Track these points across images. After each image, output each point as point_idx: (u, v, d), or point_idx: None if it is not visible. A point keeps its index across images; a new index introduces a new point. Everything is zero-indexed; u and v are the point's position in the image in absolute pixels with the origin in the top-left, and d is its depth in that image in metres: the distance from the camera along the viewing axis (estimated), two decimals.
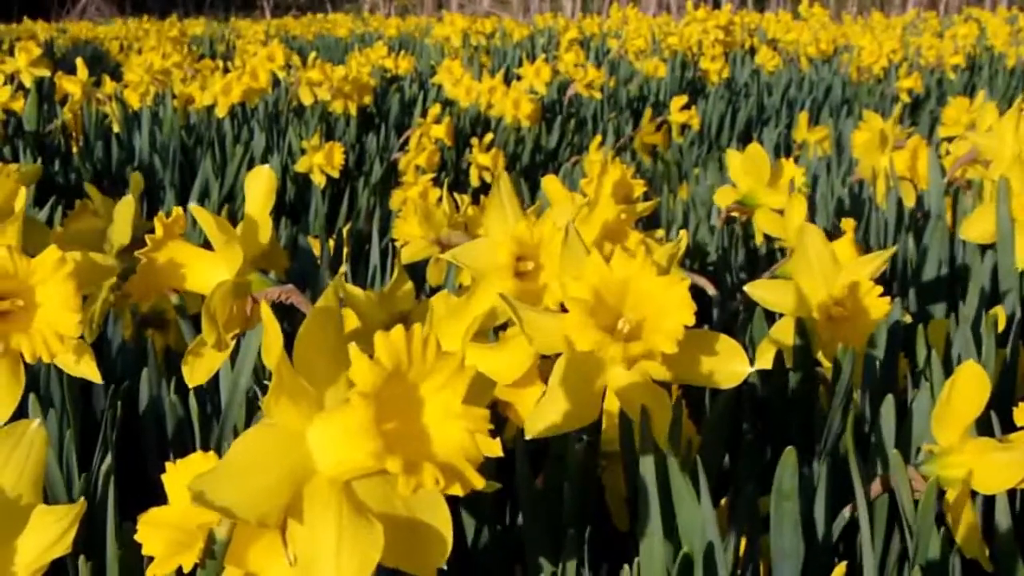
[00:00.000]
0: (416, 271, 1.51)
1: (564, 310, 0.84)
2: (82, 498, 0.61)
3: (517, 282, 0.98)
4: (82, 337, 0.93)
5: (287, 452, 0.55)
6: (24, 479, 0.60)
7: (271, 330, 0.57)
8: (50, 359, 0.85)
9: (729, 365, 0.86)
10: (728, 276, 1.80)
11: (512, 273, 0.99)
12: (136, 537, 0.71)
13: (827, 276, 1.13)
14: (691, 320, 0.81)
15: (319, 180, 2.98)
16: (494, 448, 0.82)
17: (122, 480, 0.99)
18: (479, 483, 0.55)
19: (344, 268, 1.01)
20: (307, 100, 3.72)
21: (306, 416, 0.56)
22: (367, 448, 0.52)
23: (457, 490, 0.54)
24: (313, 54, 4.20)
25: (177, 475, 0.73)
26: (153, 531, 0.72)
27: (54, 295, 0.84)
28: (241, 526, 0.61)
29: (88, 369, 0.90)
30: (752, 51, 6.57)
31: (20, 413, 1.04)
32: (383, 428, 0.53)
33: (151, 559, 0.73)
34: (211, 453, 0.73)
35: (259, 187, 0.98)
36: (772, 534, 0.92)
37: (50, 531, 0.58)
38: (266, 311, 0.58)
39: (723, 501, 1.02)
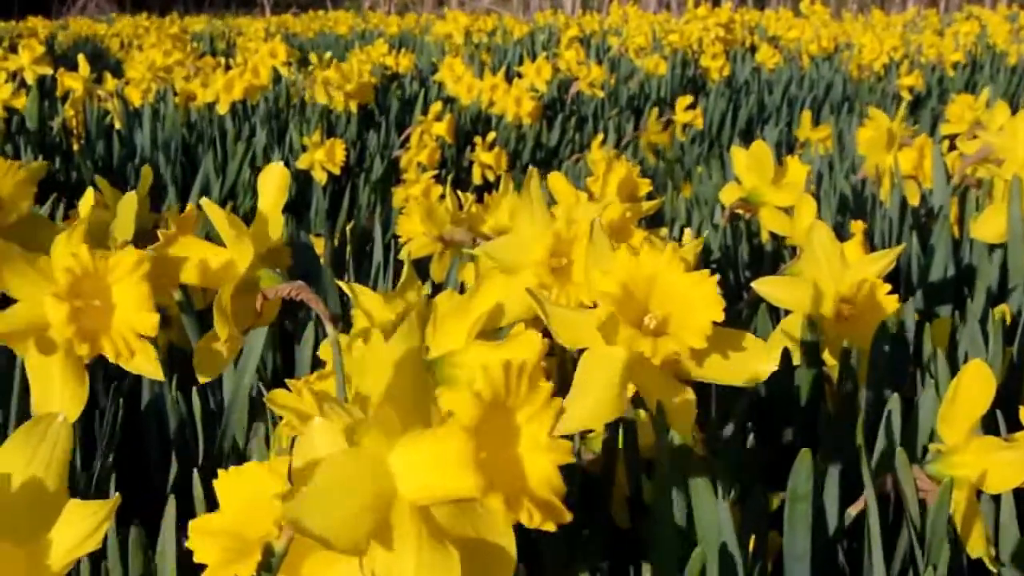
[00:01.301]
0: (419, 268, 1.51)
1: (585, 306, 0.84)
2: (117, 494, 0.61)
3: (551, 278, 0.99)
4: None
5: (372, 476, 0.55)
6: (51, 474, 0.59)
7: (378, 364, 0.57)
8: (130, 358, 0.85)
9: (755, 364, 0.86)
10: (732, 274, 1.80)
11: (548, 269, 0.99)
12: (188, 544, 0.71)
13: (835, 273, 1.13)
14: (720, 316, 0.81)
15: (320, 177, 2.97)
16: None
17: (124, 477, 0.98)
18: (567, 517, 0.55)
19: (348, 291, 1.02)
20: (322, 99, 3.72)
21: (388, 442, 0.55)
22: (469, 482, 0.52)
23: (550, 526, 0.54)
24: (328, 54, 4.20)
25: (230, 483, 0.73)
26: (206, 539, 0.71)
27: (131, 295, 0.85)
28: (298, 539, 0.61)
29: (153, 368, 0.89)
30: (753, 49, 6.56)
31: (23, 409, 1.04)
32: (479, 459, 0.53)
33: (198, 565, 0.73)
34: (265, 464, 0.73)
35: (272, 184, 0.98)
36: (785, 536, 0.92)
37: (83, 525, 0.58)
38: (377, 339, 0.57)
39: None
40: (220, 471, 0.74)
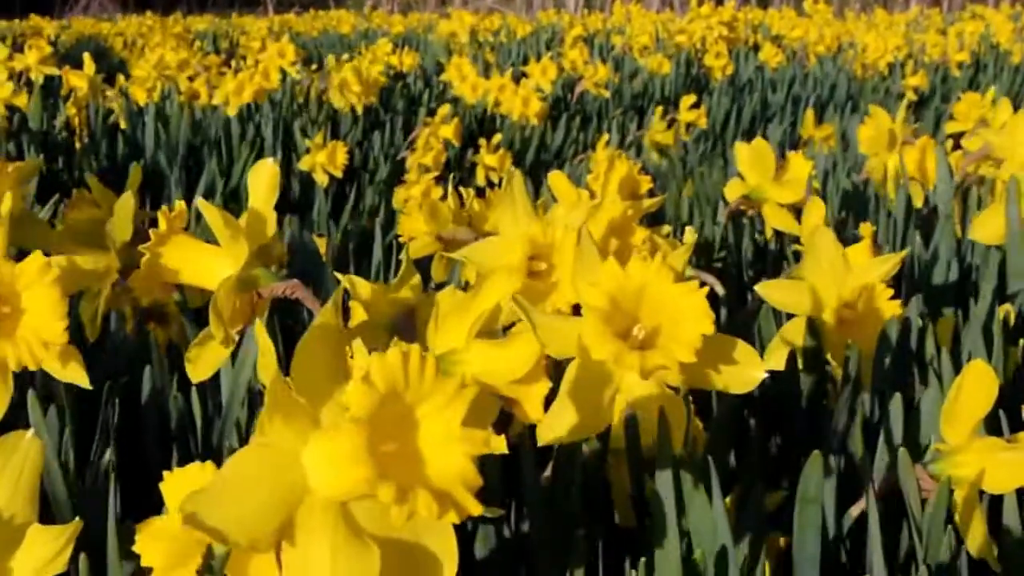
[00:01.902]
0: (421, 266, 1.50)
1: (575, 312, 0.83)
2: (77, 518, 0.60)
3: (528, 281, 0.98)
4: (80, 342, 0.92)
5: (282, 472, 0.54)
6: (19, 495, 0.58)
7: (265, 348, 0.56)
8: (36, 367, 0.84)
9: (745, 371, 0.85)
10: (736, 271, 1.79)
11: (525, 273, 0.98)
12: (134, 548, 0.70)
13: (838, 278, 1.13)
14: (710, 329, 0.80)
15: (322, 179, 2.98)
16: (499, 445, 0.81)
17: (123, 476, 0.98)
18: (476, 510, 0.53)
19: (345, 282, 1.00)
20: (339, 102, 3.72)
21: (302, 435, 0.54)
22: (359, 474, 0.51)
23: (452, 517, 0.52)
24: (345, 56, 4.19)
25: (175, 484, 0.72)
26: (152, 542, 0.70)
27: (40, 301, 0.84)
28: (247, 550, 0.60)
29: (76, 374, 0.89)
30: (756, 48, 6.55)
31: (21, 409, 1.04)
32: (380, 451, 0.52)
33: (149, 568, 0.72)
34: (208, 464, 0.72)
35: (262, 181, 0.97)
36: (795, 538, 0.91)
37: (46, 550, 0.57)
38: (260, 330, 0.56)
39: (727, 499, 1.01)
40: (165, 473, 0.73)
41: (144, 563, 0.70)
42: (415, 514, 0.51)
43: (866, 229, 1.63)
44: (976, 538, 0.88)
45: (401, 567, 0.56)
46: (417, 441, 0.55)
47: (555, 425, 0.81)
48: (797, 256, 1.70)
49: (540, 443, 0.81)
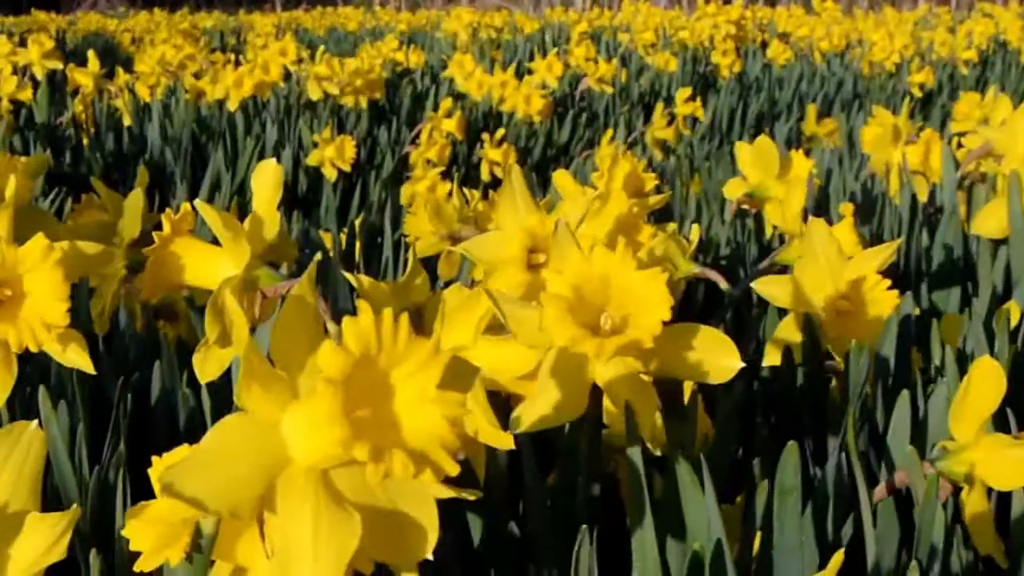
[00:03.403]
0: (428, 266, 1.51)
1: None
2: (75, 505, 0.60)
3: (530, 274, 0.98)
4: (91, 329, 0.92)
5: (260, 441, 0.54)
6: (21, 483, 0.59)
7: (237, 320, 0.56)
8: (37, 348, 0.85)
9: (718, 359, 0.84)
10: (741, 270, 1.79)
11: (524, 266, 0.98)
12: (123, 532, 0.71)
13: (834, 270, 1.12)
14: (667, 315, 0.80)
15: (330, 174, 2.98)
16: (505, 441, 0.81)
17: (133, 473, 0.98)
18: (452, 470, 0.53)
19: (318, 256, 1.00)
20: (315, 95, 3.71)
21: (280, 405, 0.55)
22: (334, 435, 0.51)
23: (429, 477, 0.52)
24: (321, 48, 4.19)
25: (163, 466, 0.72)
26: (141, 526, 0.71)
27: (42, 284, 0.85)
28: (227, 519, 0.61)
29: (79, 358, 0.90)
30: (764, 45, 6.55)
31: (31, 405, 1.04)
32: (355, 415, 0.52)
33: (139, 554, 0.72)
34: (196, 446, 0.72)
35: (266, 181, 0.97)
36: (775, 531, 0.91)
37: (45, 537, 0.58)
38: (230, 301, 0.57)
39: (739, 499, 1.01)
40: (154, 457, 0.73)
41: (132, 547, 0.70)
42: (391, 473, 0.51)
43: (846, 208, 1.63)
44: (983, 534, 0.88)
45: (384, 536, 0.57)
46: (392, 405, 0.55)
47: (532, 410, 0.81)
48: None
49: (518, 429, 0.80)
